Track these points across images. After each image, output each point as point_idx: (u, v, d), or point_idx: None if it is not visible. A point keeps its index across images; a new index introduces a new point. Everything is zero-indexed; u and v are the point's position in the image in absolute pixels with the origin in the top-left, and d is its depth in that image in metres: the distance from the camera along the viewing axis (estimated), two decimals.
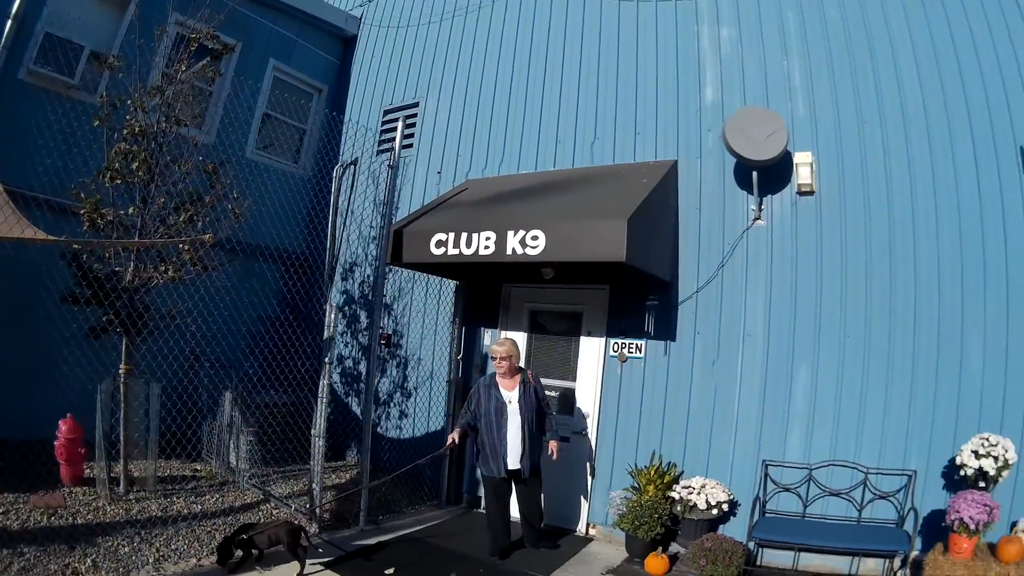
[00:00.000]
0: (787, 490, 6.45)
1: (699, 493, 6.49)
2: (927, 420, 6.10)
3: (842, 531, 6.13)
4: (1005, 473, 5.40)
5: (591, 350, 7.76)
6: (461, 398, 8.37)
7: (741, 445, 6.77)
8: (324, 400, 7.05)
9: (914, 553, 5.68)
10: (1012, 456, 5.37)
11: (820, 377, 6.50)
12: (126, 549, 6.25)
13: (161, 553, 6.31)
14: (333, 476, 8.42)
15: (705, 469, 6.84)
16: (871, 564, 6.18)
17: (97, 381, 6.88)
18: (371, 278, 9.53)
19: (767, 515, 6.29)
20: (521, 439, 6.59)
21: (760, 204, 6.84)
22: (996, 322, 5.96)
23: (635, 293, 7.37)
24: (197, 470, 8.59)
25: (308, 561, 6.13)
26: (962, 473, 5.53)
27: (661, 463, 7.00)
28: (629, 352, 7.42)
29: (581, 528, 7.65)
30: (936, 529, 5.68)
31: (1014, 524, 5.38)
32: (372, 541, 7.02)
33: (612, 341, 7.55)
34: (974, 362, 5.99)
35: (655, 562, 6.39)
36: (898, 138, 6.51)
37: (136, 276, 6.78)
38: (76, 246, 6.64)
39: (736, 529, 6.60)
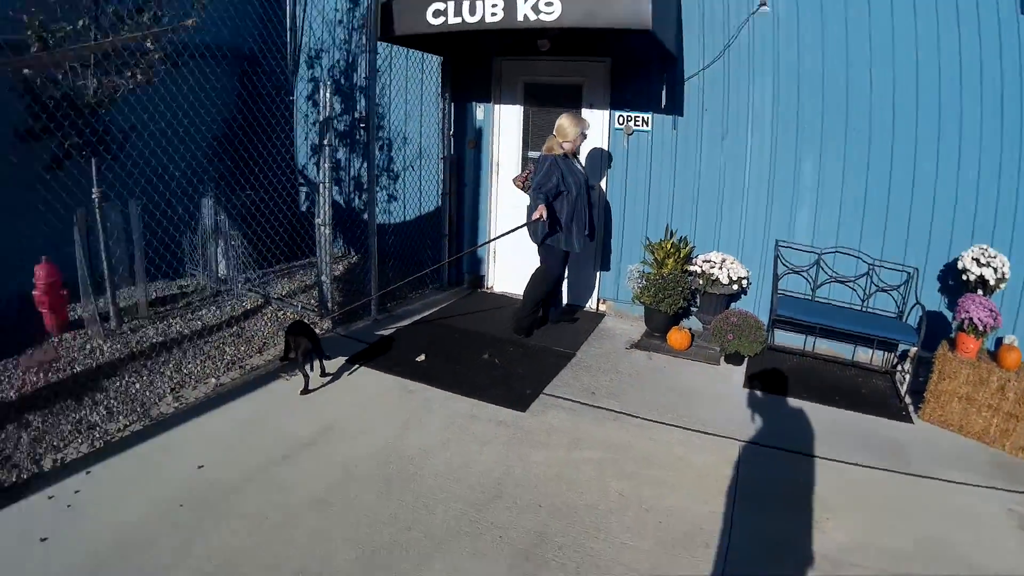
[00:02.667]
0: (797, 272, 6.87)
1: (721, 268, 6.80)
2: (926, 221, 6.49)
3: (854, 316, 6.53)
4: (1002, 285, 5.87)
5: (594, 123, 7.69)
6: (456, 175, 8.49)
7: (751, 224, 7.09)
8: (327, 185, 6.92)
9: (913, 349, 6.18)
10: (1008, 271, 5.79)
11: (825, 166, 6.73)
12: (137, 386, 5.98)
13: (176, 381, 6.11)
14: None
15: (716, 246, 7.20)
16: (873, 355, 6.77)
17: (67, 219, 6.44)
18: (341, 63, 9.27)
19: (780, 295, 6.68)
20: (589, 214, 6.78)
21: None
22: (991, 141, 6.21)
23: (639, 67, 7.31)
24: (185, 287, 8.41)
25: (331, 360, 6.23)
26: (964, 278, 5.95)
27: (675, 237, 7.26)
28: (636, 125, 7.44)
29: (592, 304, 8.09)
30: (932, 331, 6.17)
31: (1000, 340, 5.90)
32: (390, 330, 7.18)
33: (617, 114, 7.55)
34: (970, 173, 6.31)
35: (678, 336, 6.78)
36: None
37: (100, 88, 6.25)
38: (26, 70, 6.03)
39: (746, 307, 7.05)
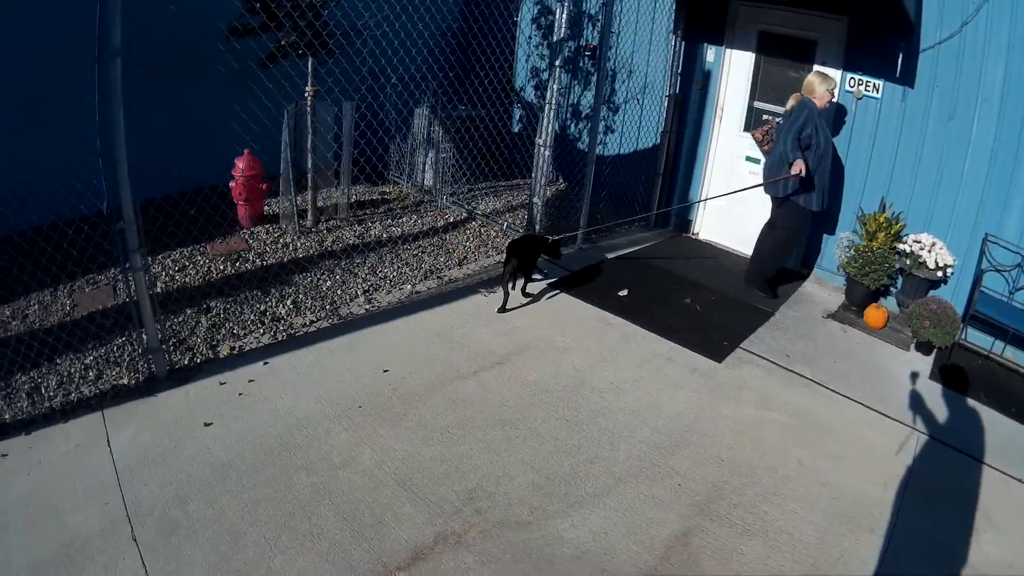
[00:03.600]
0: (999, 271, 6.60)
1: (930, 251, 6.72)
2: None
3: None
4: None
5: None
6: (678, 114, 8.60)
7: (962, 212, 6.86)
8: (552, 106, 7.12)
9: None
10: None
11: None
12: (328, 284, 6.27)
13: (369, 283, 6.35)
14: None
15: (926, 227, 7.03)
16: None
17: (276, 114, 6.61)
18: None
19: (981, 291, 6.50)
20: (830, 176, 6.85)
21: None
22: None
23: (876, 30, 7.11)
24: (386, 193, 8.70)
25: (533, 283, 6.51)
26: None
27: (888, 212, 7.18)
28: (866, 90, 7.32)
29: (795, 267, 8.09)
30: None
31: None
32: (594, 261, 7.46)
33: (849, 75, 7.43)
34: None
35: (875, 314, 6.88)
36: None
37: None
38: None
39: (942, 297, 6.87)
